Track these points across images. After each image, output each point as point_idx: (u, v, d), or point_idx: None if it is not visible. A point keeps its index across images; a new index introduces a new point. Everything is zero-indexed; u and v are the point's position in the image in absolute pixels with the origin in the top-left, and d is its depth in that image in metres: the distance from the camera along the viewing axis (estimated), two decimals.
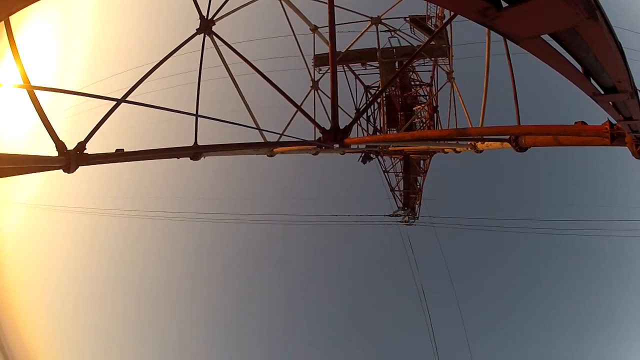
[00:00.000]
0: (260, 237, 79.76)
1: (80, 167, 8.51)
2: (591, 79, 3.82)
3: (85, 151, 8.36)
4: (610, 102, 4.49)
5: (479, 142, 15.13)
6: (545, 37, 2.92)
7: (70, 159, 7.94)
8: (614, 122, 6.23)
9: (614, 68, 3.43)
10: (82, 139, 8.55)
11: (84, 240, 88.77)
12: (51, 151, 7.73)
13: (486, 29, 13.27)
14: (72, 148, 8.12)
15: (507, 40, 10.95)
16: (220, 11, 15.59)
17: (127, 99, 7.92)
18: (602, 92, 4.06)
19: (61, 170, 8.04)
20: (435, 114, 28.11)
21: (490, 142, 14.05)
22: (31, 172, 7.20)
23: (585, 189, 71.95)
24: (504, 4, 2.38)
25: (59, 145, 7.82)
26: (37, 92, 7.44)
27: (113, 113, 9.99)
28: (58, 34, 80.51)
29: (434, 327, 31.49)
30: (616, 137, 6.51)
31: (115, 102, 8.86)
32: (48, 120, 7.62)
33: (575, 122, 6.94)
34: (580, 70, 3.62)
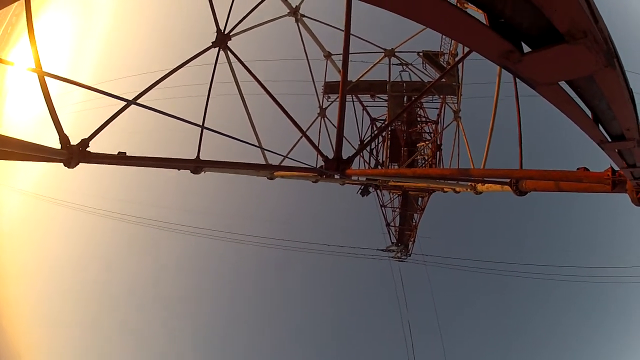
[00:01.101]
0: (250, 258, 79.77)
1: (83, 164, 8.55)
2: (599, 125, 3.82)
3: (87, 149, 8.36)
4: (616, 150, 4.50)
5: (479, 184, 15.14)
6: (562, 83, 2.92)
7: (72, 154, 7.94)
8: (616, 168, 6.24)
9: (624, 116, 3.45)
10: (87, 136, 8.56)
11: (78, 236, 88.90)
12: (55, 144, 7.74)
13: (497, 69, 13.36)
14: (75, 143, 8.13)
15: (517, 83, 11.01)
16: (238, 27, 15.65)
17: (136, 102, 7.89)
18: (610, 140, 4.07)
19: (62, 164, 8.06)
20: (438, 152, 28.08)
21: (490, 184, 14.06)
22: (33, 160, 7.21)
23: (581, 235, 72.26)
24: (527, 49, 2.41)
25: (63, 138, 7.83)
26: (48, 82, 7.46)
27: (120, 116, 10.03)
28: (75, 28, 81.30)
29: None
30: (617, 184, 6.53)
31: (124, 103, 8.86)
32: (55, 112, 7.63)
33: (578, 168, 6.95)
34: (590, 117, 3.61)
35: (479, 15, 2.48)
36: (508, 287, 69.14)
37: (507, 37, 2.33)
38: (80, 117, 37.00)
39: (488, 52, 2.54)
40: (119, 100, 6.94)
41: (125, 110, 9.84)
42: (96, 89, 6.12)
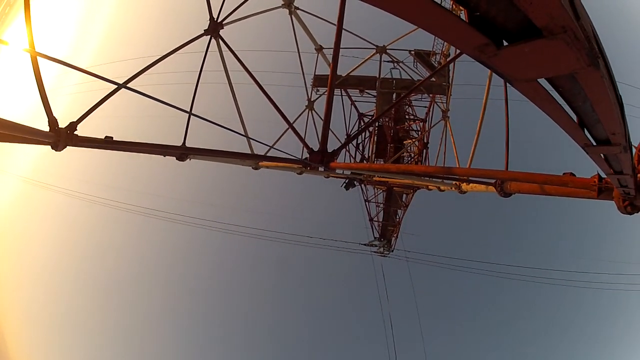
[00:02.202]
0: (232, 248, 79.78)
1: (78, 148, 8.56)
2: (585, 129, 3.79)
3: (75, 132, 8.32)
4: (602, 155, 4.46)
5: (464, 183, 15.17)
6: (542, 81, 2.87)
7: (60, 137, 7.89)
8: (603, 176, 6.22)
9: (610, 120, 3.40)
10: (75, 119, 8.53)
11: (68, 223, 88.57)
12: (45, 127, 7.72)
13: (488, 71, 13.38)
14: (64, 126, 8.09)
15: (507, 85, 11.02)
16: (231, 16, 15.62)
17: (126, 86, 7.87)
18: (595, 144, 4.03)
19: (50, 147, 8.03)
20: (424, 150, 28.09)
21: (475, 184, 14.10)
22: (21, 142, 7.15)
23: (566, 239, 72.76)
24: (505, 43, 2.39)
25: (52, 121, 7.78)
26: (43, 65, 7.42)
27: (112, 102, 10.00)
28: (77, 13, 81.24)
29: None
30: (603, 191, 6.50)
31: (114, 88, 8.82)
32: (45, 93, 7.58)
33: (564, 173, 6.94)
34: (575, 120, 3.56)
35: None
36: (489, 286, 69.58)
37: (485, 32, 2.31)
38: (76, 102, 36.73)
39: (463, 45, 2.53)
40: (113, 85, 6.94)
41: (118, 97, 9.81)
42: (88, 71, 6.13)
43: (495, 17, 2.24)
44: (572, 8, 1.99)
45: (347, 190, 30.52)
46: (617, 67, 2.96)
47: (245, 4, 16.51)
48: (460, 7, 2.36)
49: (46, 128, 7.67)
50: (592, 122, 3.58)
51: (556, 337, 72.52)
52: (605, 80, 2.70)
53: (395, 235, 34.36)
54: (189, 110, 10.68)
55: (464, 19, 2.31)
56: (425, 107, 28.35)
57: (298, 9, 20.46)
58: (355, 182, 30.00)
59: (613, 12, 63.43)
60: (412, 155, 30.80)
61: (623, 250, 63.76)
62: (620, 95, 3.28)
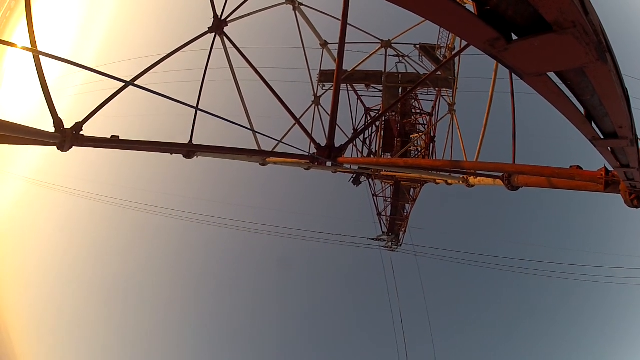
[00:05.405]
0: (240, 244, 79.80)
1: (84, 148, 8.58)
2: (592, 122, 3.80)
3: (81, 132, 8.32)
4: (609, 148, 4.45)
5: (472, 177, 15.12)
6: (551, 75, 2.88)
7: (66, 137, 7.90)
8: (610, 169, 6.19)
9: (617, 113, 3.41)
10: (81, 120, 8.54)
11: (73, 222, 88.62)
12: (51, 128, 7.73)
13: (494, 64, 13.31)
14: (69, 127, 8.10)
15: (512, 78, 10.96)
16: (235, 14, 15.62)
17: (133, 83, 7.85)
18: (602, 137, 4.03)
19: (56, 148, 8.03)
20: (431, 144, 28.03)
21: (482, 178, 14.04)
22: (27, 144, 7.16)
23: (574, 233, 72.57)
24: (514, 37, 2.38)
25: (57, 121, 7.79)
26: (47, 66, 7.40)
27: (117, 101, 10.01)
28: (79, 13, 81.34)
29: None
30: (610, 184, 6.46)
31: (118, 87, 8.85)
32: (49, 94, 7.57)
33: (571, 166, 6.90)
34: (583, 113, 3.58)
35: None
36: (498, 279, 69.48)
37: (495, 25, 2.30)
38: (80, 102, 36.77)
39: (474, 39, 2.51)
40: (118, 84, 6.93)
41: (122, 96, 9.83)
42: (93, 69, 6.11)
43: (505, 11, 2.24)
44: (581, 3, 1.98)
45: (354, 185, 30.43)
46: (620, 62, 2.95)
47: (249, 0, 16.49)
48: (469, 1, 2.37)
49: (52, 129, 7.68)
50: (600, 115, 3.59)
51: (564, 331, 72.53)
52: (613, 74, 2.71)
53: (403, 229, 34.29)
54: (195, 106, 10.71)
55: (474, 12, 2.29)
56: (432, 100, 28.33)
57: (302, 4, 20.49)
58: (362, 177, 29.96)
59: (615, 8, 63.34)
60: (419, 149, 30.70)
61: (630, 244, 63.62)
62: (627, 89, 3.27)
